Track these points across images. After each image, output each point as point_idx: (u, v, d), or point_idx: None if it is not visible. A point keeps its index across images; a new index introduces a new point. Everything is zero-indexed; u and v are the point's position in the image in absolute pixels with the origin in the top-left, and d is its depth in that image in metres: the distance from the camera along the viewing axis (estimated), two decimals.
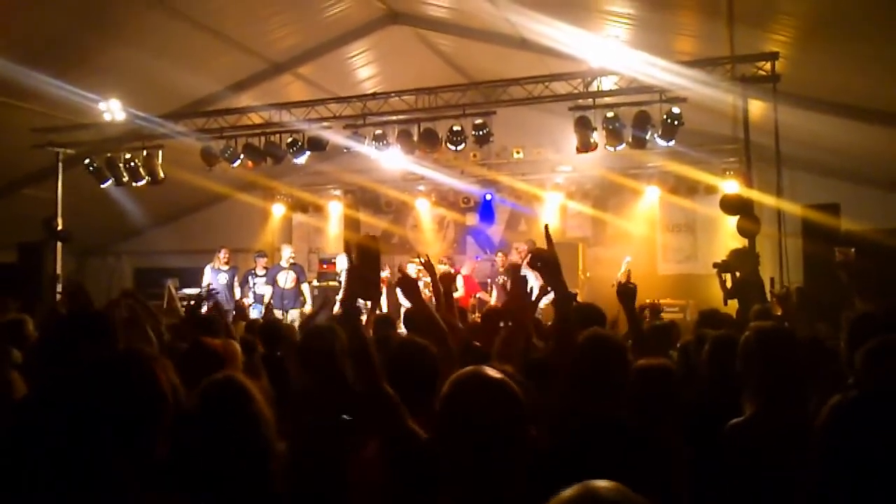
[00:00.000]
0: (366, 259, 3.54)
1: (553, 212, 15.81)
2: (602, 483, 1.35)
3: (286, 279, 13.40)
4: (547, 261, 3.32)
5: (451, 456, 1.90)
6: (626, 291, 4.44)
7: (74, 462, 2.39)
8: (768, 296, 9.26)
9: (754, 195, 10.09)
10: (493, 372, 1.99)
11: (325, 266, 15.18)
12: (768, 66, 9.72)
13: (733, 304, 9.70)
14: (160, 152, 12.76)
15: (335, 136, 12.20)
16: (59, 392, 2.86)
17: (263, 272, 13.74)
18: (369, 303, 5.19)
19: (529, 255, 3.86)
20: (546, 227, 3.60)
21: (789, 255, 10.07)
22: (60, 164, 12.89)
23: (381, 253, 13.04)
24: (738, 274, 10.26)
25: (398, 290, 12.09)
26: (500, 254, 14.39)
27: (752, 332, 3.47)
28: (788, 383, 3.21)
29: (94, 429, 2.53)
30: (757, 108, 10.29)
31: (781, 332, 3.68)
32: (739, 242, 10.51)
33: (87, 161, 12.92)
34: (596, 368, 3.00)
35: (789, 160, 10.37)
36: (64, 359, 3.29)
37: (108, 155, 12.91)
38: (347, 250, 4.27)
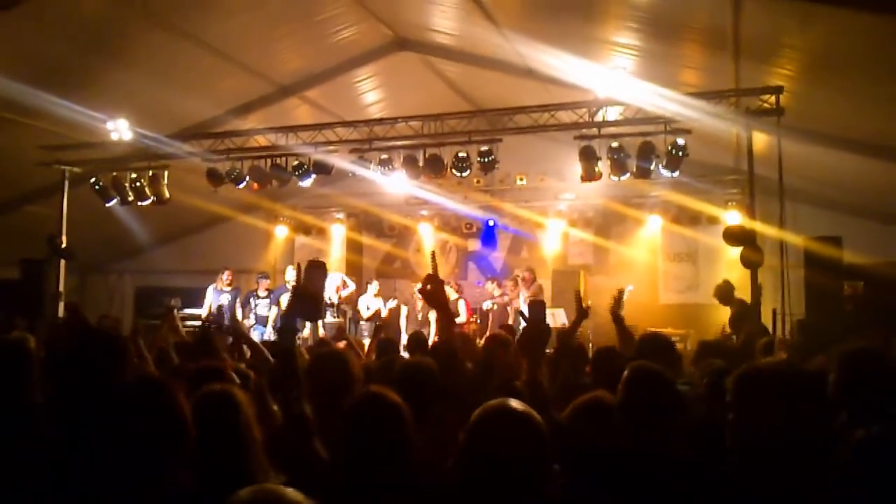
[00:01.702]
0: (311, 280, 3.66)
1: (555, 239, 15.88)
2: None
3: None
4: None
5: (472, 487, 1.92)
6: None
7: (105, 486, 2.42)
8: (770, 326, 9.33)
9: (757, 226, 10.13)
10: (519, 405, 2.01)
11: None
12: (773, 99, 9.80)
13: None
14: (166, 173, 12.81)
15: (341, 161, 12.25)
16: (84, 418, 2.89)
17: (265, 293, 13.74)
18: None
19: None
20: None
21: (791, 286, 10.11)
22: (66, 182, 12.93)
23: (383, 276, 13.08)
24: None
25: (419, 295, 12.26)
26: (489, 282, 14.54)
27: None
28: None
29: (122, 456, 2.56)
30: (760, 140, 10.36)
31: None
32: (741, 273, 10.55)
33: (92, 180, 12.97)
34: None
35: (792, 192, 10.41)
36: (74, 376, 3.31)
37: (114, 174, 12.97)
38: (297, 271, 4.38)
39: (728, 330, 10.82)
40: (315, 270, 3.80)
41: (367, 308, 14.13)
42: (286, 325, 3.67)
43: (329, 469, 2.80)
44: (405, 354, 7.56)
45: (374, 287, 14.09)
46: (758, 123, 9.97)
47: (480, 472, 1.89)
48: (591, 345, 10.56)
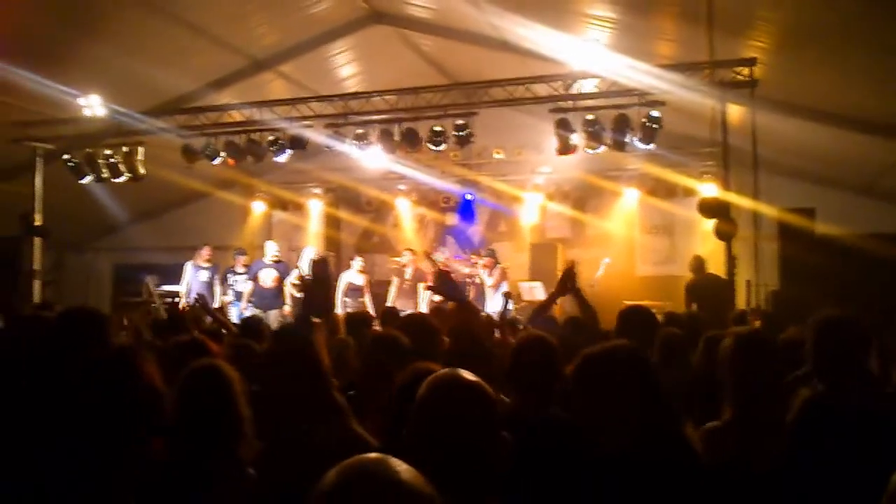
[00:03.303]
0: (318, 277, 3.72)
1: (533, 212, 15.91)
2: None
3: (268, 277, 13.25)
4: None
5: (423, 458, 1.94)
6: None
7: (81, 458, 2.44)
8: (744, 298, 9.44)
9: (732, 198, 10.20)
10: (468, 374, 2.03)
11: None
12: (746, 71, 9.86)
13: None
14: (141, 149, 12.70)
15: (316, 135, 12.20)
16: (59, 390, 2.91)
17: (243, 269, 13.66)
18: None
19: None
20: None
21: (765, 257, 10.22)
22: (39, 160, 12.79)
23: (364, 252, 13.11)
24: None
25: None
26: (472, 255, 14.49)
27: (732, 339, 3.53)
28: (764, 388, 3.26)
29: (99, 427, 2.58)
30: (735, 112, 10.40)
31: (759, 338, 3.74)
32: (716, 245, 10.65)
33: (65, 157, 12.84)
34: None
35: (766, 164, 10.47)
36: (60, 355, 3.32)
37: (88, 151, 12.85)
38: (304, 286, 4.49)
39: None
40: (320, 267, 3.86)
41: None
42: (301, 325, 3.68)
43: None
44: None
45: (357, 263, 13.92)
46: (732, 95, 10.01)
47: (430, 441, 1.90)
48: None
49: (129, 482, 2.57)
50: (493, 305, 12.34)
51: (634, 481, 2.43)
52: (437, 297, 11.15)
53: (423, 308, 13.12)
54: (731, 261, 9.87)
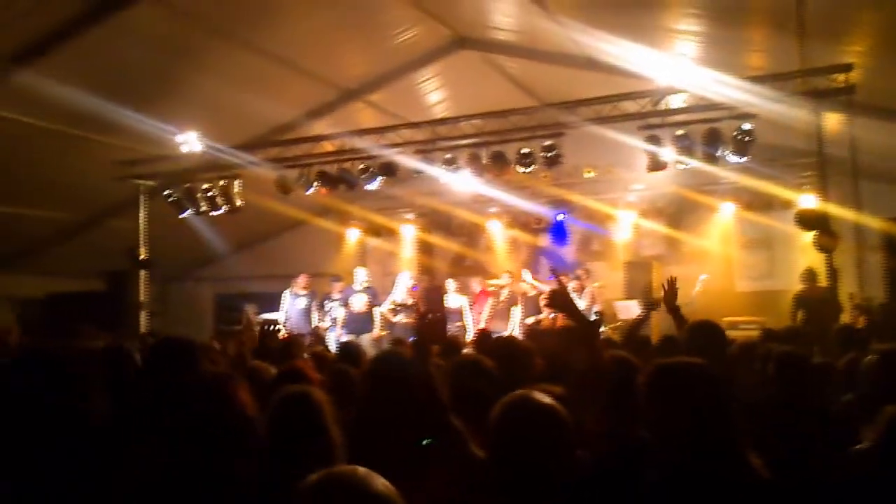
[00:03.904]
0: (431, 304, 3.76)
1: (626, 230, 15.72)
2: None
3: (359, 302, 13.43)
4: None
5: (500, 475, 1.95)
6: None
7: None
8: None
9: (832, 209, 9.87)
10: (542, 397, 2.03)
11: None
12: (842, 77, 9.52)
13: None
14: (237, 181, 13.10)
15: (406, 161, 12.36)
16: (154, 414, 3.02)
17: (339, 296, 13.90)
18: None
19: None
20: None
21: (870, 271, 9.84)
22: (142, 196, 13.33)
23: (455, 276, 13.13)
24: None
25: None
26: (562, 276, 14.29)
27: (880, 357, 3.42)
28: None
29: (189, 450, 2.66)
30: (832, 120, 10.09)
31: None
32: (817, 258, 10.30)
33: (166, 192, 13.34)
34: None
35: (867, 172, 10.11)
36: (157, 380, 3.44)
37: (187, 185, 13.33)
38: (415, 299, 4.54)
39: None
40: (435, 294, 3.93)
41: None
42: (420, 352, 3.74)
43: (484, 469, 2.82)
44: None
45: (452, 284, 13.97)
46: (827, 103, 9.70)
47: (511, 461, 1.92)
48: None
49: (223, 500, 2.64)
50: None
51: (691, 497, 2.37)
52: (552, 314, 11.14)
53: (515, 330, 13.08)
54: (833, 274, 9.54)
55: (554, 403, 2.00)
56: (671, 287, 5.39)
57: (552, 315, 12.08)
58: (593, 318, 9.60)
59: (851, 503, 2.97)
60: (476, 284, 14.70)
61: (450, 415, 3.32)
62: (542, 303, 12.71)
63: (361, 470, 1.50)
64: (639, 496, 2.45)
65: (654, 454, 2.56)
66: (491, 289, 14.32)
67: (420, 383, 3.39)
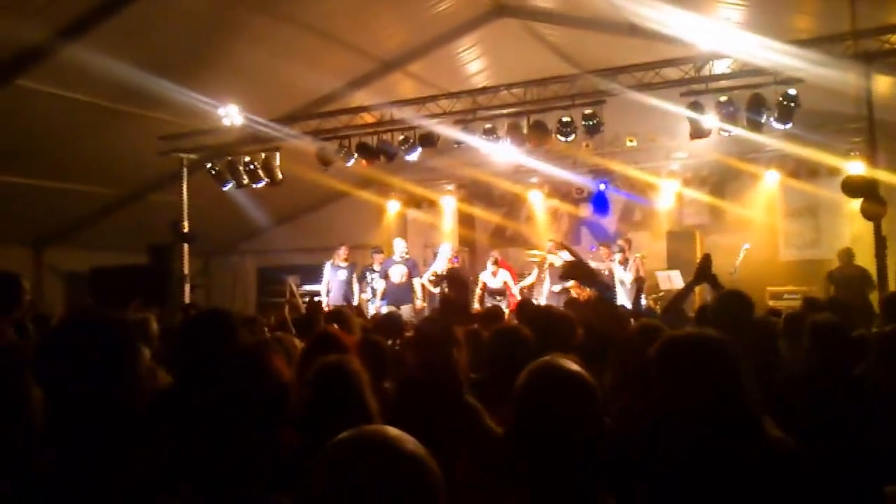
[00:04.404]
0: (456, 288, 3.77)
1: (669, 199, 15.55)
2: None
3: (398, 274, 13.44)
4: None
5: (528, 447, 1.92)
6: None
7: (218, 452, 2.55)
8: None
9: (881, 176, 9.65)
10: (569, 364, 2.00)
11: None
12: (894, 38, 9.28)
13: None
14: (277, 154, 13.17)
15: (446, 131, 12.30)
16: (196, 384, 3.06)
17: (379, 267, 13.93)
18: None
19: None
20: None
21: None
22: (185, 170, 13.46)
23: (495, 247, 13.07)
24: None
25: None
26: (602, 247, 14.17)
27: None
28: None
29: (233, 419, 2.69)
30: (882, 83, 9.85)
31: None
32: (864, 225, 10.10)
33: (208, 165, 13.46)
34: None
35: None
36: (196, 352, 3.48)
37: (229, 158, 13.44)
38: (439, 281, 4.56)
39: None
40: (457, 280, 3.96)
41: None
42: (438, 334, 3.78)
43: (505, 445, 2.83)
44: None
45: (490, 266, 13.71)
46: (878, 66, 9.46)
47: (535, 431, 1.89)
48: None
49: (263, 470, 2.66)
50: (625, 298, 12.11)
51: (705, 473, 2.32)
52: (570, 283, 11.05)
53: (543, 300, 12.97)
54: (881, 241, 9.34)
55: (581, 370, 1.96)
56: (705, 259, 5.34)
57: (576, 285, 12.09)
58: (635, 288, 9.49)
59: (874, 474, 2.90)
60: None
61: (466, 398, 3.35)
62: (560, 275, 12.58)
63: (392, 430, 1.47)
64: (654, 471, 2.39)
65: (668, 428, 2.51)
66: (534, 259, 14.19)
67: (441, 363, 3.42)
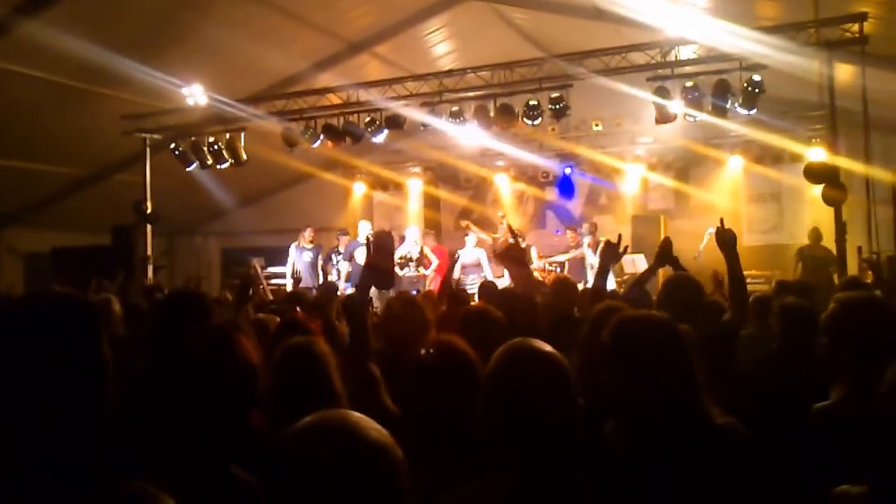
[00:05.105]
0: (380, 251, 3.77)
1: (634, 184, 15.65)
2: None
3: (362, 256, 13.31)
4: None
5: (501, 430, 1.91)
6: (727, 238, 4.50)
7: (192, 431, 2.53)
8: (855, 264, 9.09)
9: (842, 162, 9.79)
10: (541, 344, 1.99)
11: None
12: (856, 27, 9.38)
13: None
14: (242, 134, 13.06)
15: (412, 114, 12.26)
16: (167, 369, 3.04)
17: (344, 250, 13.88)
18: None
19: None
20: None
21: (880, 223, 9.77)
22: (148, 150, 13.29)
23: (462, 230, 12.87)
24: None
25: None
26: (568, 231, 14.23)
27: (838, 305, 3.17)
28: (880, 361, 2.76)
29: (203, 402, 2.67)
30: (844, 72, 9.96)
31: (871, 302, 3.31)
32: (825, 211, 10.25)
33: (172, 145, 13.30)
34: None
35: (879, 125, 9.99)
36: (169, 336, 3.45)
37: (192, 139, 13.29)
38: (367, 244, 4.53)
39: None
40: (382, 241, 3.93)
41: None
42: (359, 298, 3.79)
43: (398, 424, 2.83)
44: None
45: (472, 239, 13.70)
46: (840, 54, 9.57)
47: (508, 413, 1.88)
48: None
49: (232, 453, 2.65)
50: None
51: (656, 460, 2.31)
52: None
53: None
54: (841, 227, 9.47)
55: (553, 351, 1.96)
56: (665, 242, 5.36)
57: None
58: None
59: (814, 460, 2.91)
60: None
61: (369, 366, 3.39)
62: (492, 256, 12.54)
63: (354, 416, 1.43)
64: (596, 456, 2.35)
65: (614, 412, 2.46)
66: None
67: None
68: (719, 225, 4.57)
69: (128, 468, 1.66)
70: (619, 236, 5.63)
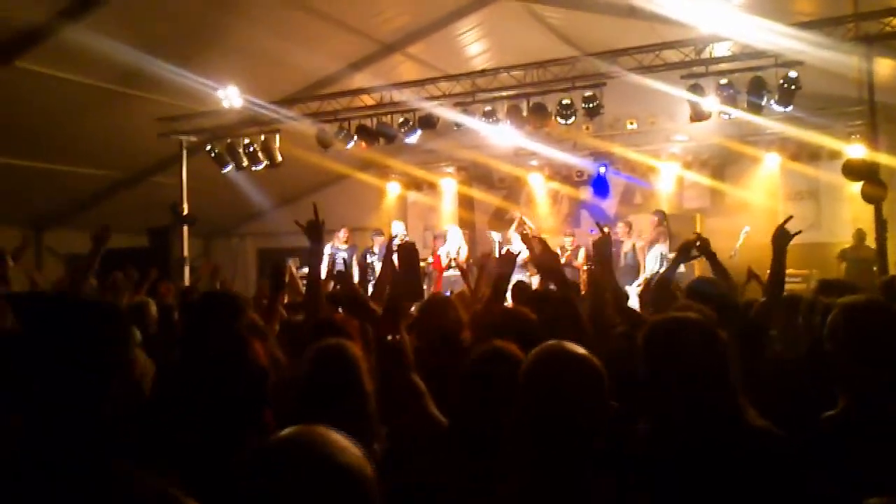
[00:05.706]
0: (406, 265, 3.76)
1: (669, 182, 15.53)
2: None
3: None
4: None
5: (527, 429, 1.90)
6: (784, 240, 4.54)
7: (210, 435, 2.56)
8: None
9: (882, 159, 9.64)
10: (575, 347, 1.99)
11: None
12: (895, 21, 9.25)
13: None
14: (277, 136, 13.16)
15: (446, 114, 12.28)
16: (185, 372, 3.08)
17: (378, 250, 13.94)
18: None
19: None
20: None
21: None
22: (184, 152, 13.44)
23: (497, 229, 12.82)
24: None
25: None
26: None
27: (839, 309, 2.99)
28: (885, 366, 2.73)
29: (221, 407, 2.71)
30: (884, 66, 9.81)
31: (873, 306, 3.11)
32: (865, 208, 10.10)
33: (208, 147, 13.44)
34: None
35: None
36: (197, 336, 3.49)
37: (228, 141, 13.43)
38: (392, 256, 4.54)
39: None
40: (406, 254, 3.93)
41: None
42: (393, 308, 3.79)
43: (446, 434, 2.80)
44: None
45: (516, 236, 13.58)
46: (879, 49, 9.43)
47: (539, 410, 1.88)
48: None
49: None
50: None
51: (690, 462, 2.27)
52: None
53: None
54: (882, 224, 9.33)
55: (588, 354, 1.95)
56: (697, 239, 5.35)
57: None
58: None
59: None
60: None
61: (411, 377, 3.38)
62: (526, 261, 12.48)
63: (328, 435, 1.34)
64: (631, 457, 2.33)
65: (655, 415, 2.42)
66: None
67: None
68: (782, 224, 4.52)
69: (140, 466, 1.66)
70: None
